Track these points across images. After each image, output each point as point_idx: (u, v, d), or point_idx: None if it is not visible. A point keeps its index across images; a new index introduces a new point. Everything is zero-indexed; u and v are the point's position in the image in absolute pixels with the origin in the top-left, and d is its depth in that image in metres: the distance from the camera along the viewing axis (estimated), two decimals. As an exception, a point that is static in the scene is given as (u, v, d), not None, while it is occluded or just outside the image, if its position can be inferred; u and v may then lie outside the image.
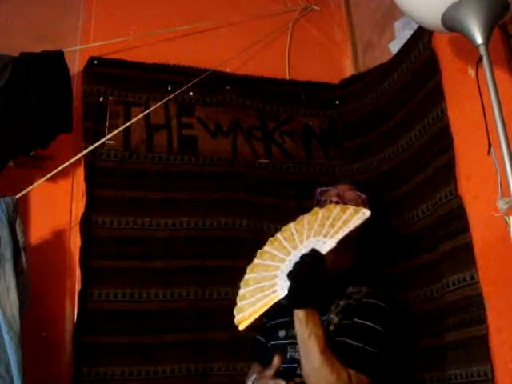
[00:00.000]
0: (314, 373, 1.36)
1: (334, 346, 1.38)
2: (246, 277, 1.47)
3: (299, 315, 1.36)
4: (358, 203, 1.64)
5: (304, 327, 1.35)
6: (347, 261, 1.63)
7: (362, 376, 1.37)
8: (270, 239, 1.52)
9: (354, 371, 1.36)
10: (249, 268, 1.49)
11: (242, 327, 1.38)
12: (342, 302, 1.52)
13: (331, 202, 1.62)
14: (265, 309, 1.36)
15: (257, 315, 1.37)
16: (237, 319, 1.39)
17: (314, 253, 1.36)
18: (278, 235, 1.51)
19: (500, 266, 1.41)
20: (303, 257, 1.36)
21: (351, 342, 1.42)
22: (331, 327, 1.48)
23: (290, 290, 1.33)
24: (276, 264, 1.43)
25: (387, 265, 1.83)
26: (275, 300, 1.36)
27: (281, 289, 1.36)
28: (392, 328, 1.48)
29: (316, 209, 1.52)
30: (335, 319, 1.49)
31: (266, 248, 1.51)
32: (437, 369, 1.56)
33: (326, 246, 1.37)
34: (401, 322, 1.56)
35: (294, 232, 1.47)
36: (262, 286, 1.40)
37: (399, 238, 1.81)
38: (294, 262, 1.38)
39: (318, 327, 1.36)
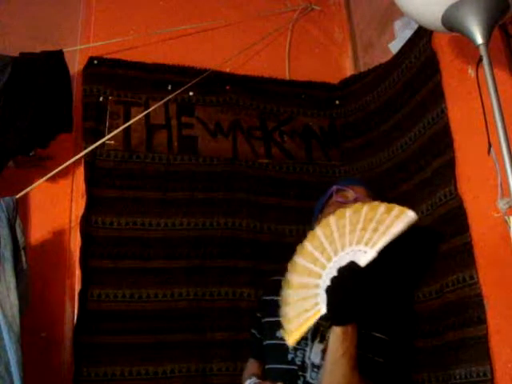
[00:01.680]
0: None
1: None
2: (285, 293, 1.39)
3: (336, 331, 1.30)
4: None
5: (339, 344, 1.30)
6: None
7: None
8: (299, 248, 1.43)
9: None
10: (285, 284, 1.40)
11: (291, 342, 1.33)
12: None
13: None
14: (310, 323, 1.31)
15: (303, 329, 1.32)
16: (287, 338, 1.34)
17: (351, 266, 1.28)
18: (307, 244, 1.42)
19: (500, 266, 1.41)
20: (340, 271, 1.29)
21: (360, 352, 1.38)
22: None
23: (328, 306, 1.28)
24: (313, 281, 1.35)
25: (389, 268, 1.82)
26: (318, 315, 1.31)
27: (323, 302, 1.30)
28: (394, 334, 1.48)
29: (342, 210, 1.41)
30: None
31: (297, 260, 1.42)
32: (436, 369, 1.56)
33: (366, 256, 1.29)
34: (402, 326, 1.56)
35: (324, 240, 1.38)
36: (306, 310, 1.34)
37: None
38: (330, 275, 1.31)
39: (353, 346, 1.31)
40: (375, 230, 1.31)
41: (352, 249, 1.32)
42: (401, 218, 1.31)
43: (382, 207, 1.35)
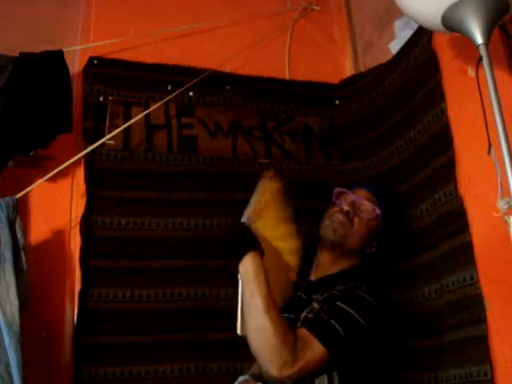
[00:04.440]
0: (255, 334, 1.30)
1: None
2: None
3: (241, 272, 1.38)
4: (371, 217, 1.63)
5: (246, 286, 1.35)
6: (344, 265, 1.63)
7: (318, 344, 1.31)
8: None
9: (311, 336, 1.31)
10: None
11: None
12: (326, 294, 1.51)
13: (342, 209, 1.63)
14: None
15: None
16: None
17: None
18: None
19: (500, 266, 1.41)
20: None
21: (323, 316, 1.38)
22: (310, 315, 1.46)
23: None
24: None
25: (385, 268, 1.82)
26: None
27: None
28: (375, 324, 1.41)
29: None
30: (316, 307, 1.47)
31: None
32: (436, 369, 1.56)
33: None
34: (388, 320, 1.49)
35: None
36: None
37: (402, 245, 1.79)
38: None
39: (262, 288, 1.33)
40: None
41: None
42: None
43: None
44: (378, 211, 1.64)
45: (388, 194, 1.77)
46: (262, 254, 1.41)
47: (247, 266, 1.37)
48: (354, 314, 1.39)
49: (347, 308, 1.40)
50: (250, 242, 1.42)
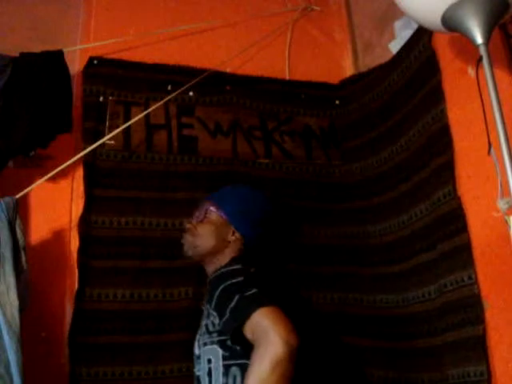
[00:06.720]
0: None
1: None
2: None
3: None
4: (205, 218, 1.67)
5: None
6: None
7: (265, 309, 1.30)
8: None
9: (260, 311, 1.30)
10: None
11: None
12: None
13: (184, 229, 1.71)
14: None
15: None
16: None
17: None
18: None
19: (500, 266, 1.41)
20: None
21: (230, 303, 1.37)
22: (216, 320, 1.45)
23: None
24: None
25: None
26: None
27: None
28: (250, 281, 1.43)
29: None
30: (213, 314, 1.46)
31: None
32: (434, 369, 1.57)
33: None
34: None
35: None
36: None
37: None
38: None
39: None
40: None
41: None
42: None
43: None
44: (210, 209, 1.67)
45: (234, 191, 1.76)
46: None
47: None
48: (238, 280, 1.42)
49: (227, 283, 1.43)
50: None
